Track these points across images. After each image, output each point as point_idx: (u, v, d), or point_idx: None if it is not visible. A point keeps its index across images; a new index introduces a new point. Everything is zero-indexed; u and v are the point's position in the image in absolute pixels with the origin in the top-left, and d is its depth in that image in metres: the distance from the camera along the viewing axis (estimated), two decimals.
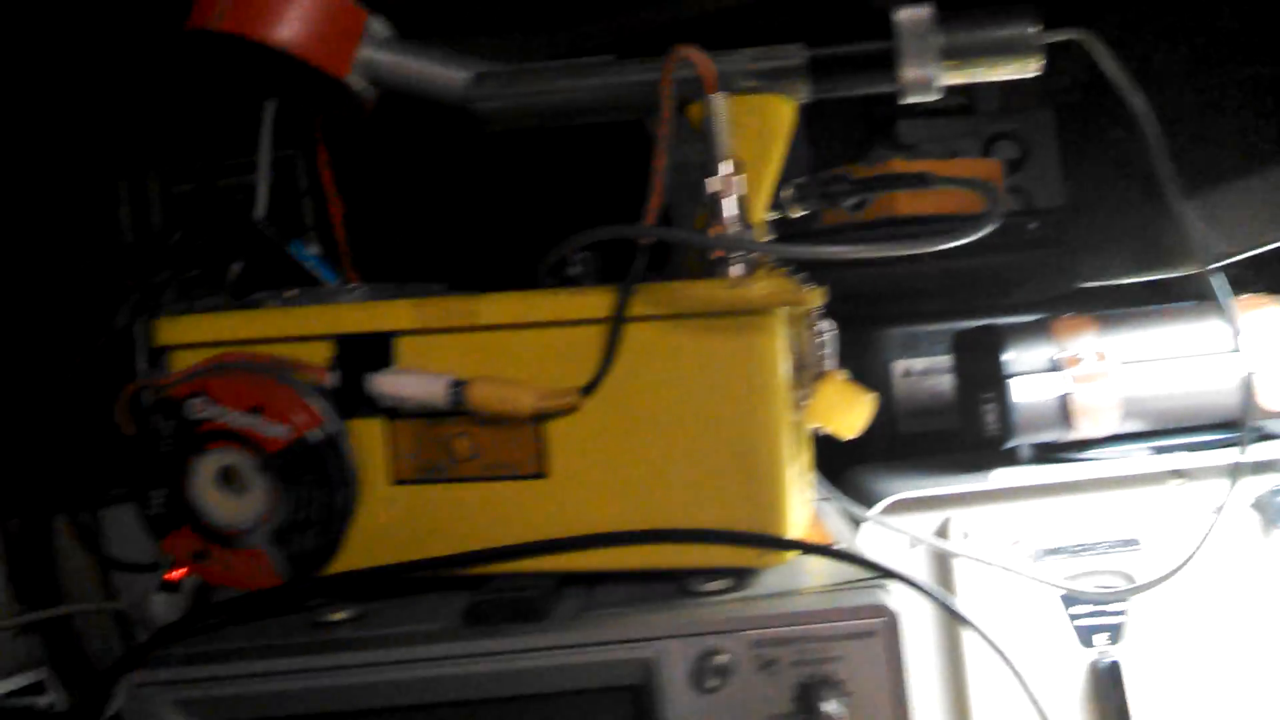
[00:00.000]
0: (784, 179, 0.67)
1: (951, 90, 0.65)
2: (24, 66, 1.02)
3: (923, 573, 0.80)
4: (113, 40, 0.99)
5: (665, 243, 0.62)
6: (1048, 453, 0.83)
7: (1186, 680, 0.79)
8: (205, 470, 0.62)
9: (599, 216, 0.64)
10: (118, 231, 1.12)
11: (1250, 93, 0.87)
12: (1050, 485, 0.80)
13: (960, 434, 0.88)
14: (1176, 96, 0.91)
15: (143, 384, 0.63)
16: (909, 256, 0.64)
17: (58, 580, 1.08)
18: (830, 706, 0.54)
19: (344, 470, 0.61)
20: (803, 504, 0.65)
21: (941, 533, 0.80)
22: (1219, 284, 0.69)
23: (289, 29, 0.64)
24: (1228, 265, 0.79)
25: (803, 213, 0.68)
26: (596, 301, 0.60)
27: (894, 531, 0.79)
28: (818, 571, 0.62)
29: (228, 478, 0.62)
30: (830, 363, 0.67)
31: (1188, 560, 0.71)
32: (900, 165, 0.97)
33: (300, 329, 0.63)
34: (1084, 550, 0.80)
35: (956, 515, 0.80)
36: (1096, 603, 0.79)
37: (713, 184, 0.59)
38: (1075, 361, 0.80)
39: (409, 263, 0.82)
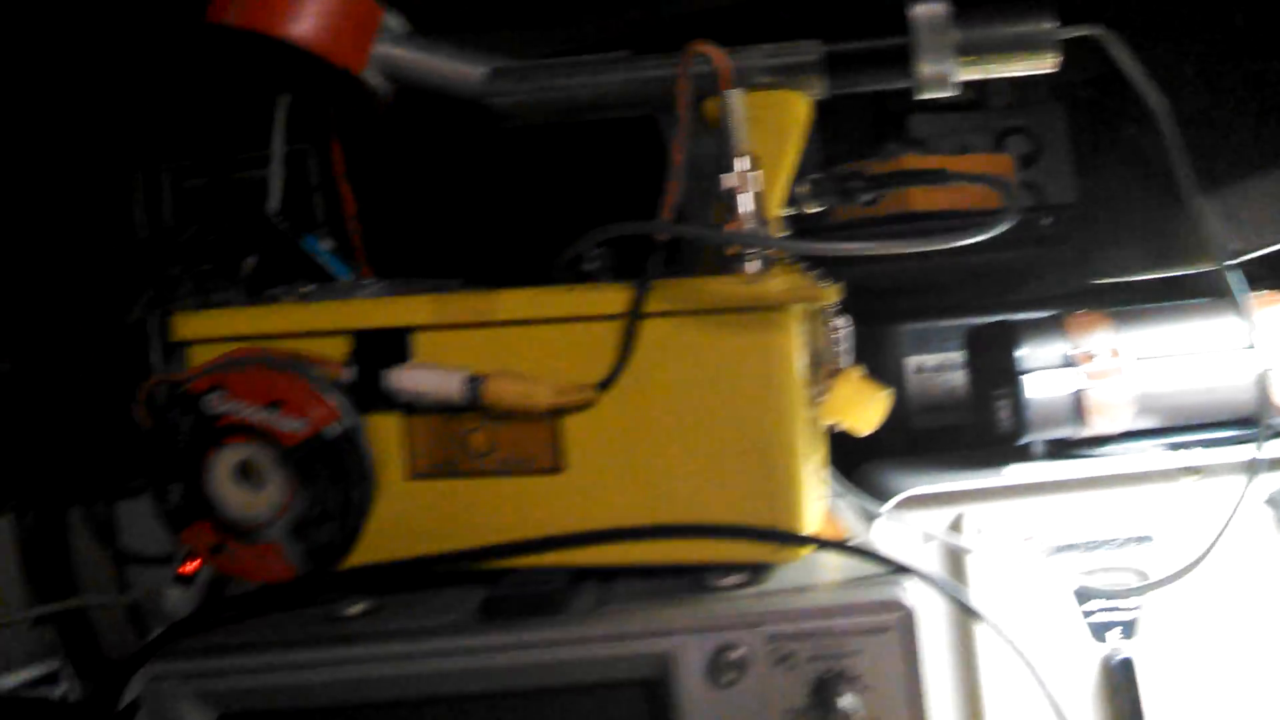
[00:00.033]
0: (798, 174, 0.68)
1: (963, 85, 0.65)
2: (39, 59, 1.02)
3: (935, 569, 0.80)
4: (126, 33, 1.00)
5: (681, 238, 0.62)
6: (1061, 449, 0.83)
7: (1200, 677, 0.79)
8: (223, 464, 0.62)
9: (607, 212, 0.64)
10: (131, 226, 1.12)
11: (1262, 89, 0.87)
12: (1064, 481, 0.80)
13: (973, 430, 0.88)
14: (1189, 93, 0.91)
15: (161, 379, 0.63)
16: (921, 252, 0.64)
17: (72, 573, 1.08)
18: (846, 701, 0.55)
19: (361, 465, 0.61)
20: (818, 499, 0.65)
21: (955, 529, 0.80)
22: (1235, 281, 0.69)
23: (305, 24, 0.65)
24: (1244, 262, 0.79)
25: (818, 208, 0.68)
26: (613, 297, 0.60)
27: (907, 527, 0.79)
28: (833, 567, 0.62)
29: (245, 472, 0.62)
30: (846, 359, 0.67)
31: (1203, 557, 0.71)
32: (913, 161, 0.97)
33: (318, 324, 0.63)
34: (1097, 546, 0.80)
35: (970, 511, 0.80)
36: (1110, 598, 0.79)
37: (729, 180, 0.59)
38: (1089, 358, 0.80)
39: (421, 258, 0.82)
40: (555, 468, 0.62)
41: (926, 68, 0.63)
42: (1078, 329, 0.81)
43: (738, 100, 0.60)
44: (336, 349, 0.63)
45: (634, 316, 0.59)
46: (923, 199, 0.97)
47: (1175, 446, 0.81)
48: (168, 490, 0.63)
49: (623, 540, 0.61)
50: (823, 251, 0.58)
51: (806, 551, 0.61)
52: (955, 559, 0.80)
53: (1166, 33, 0.92)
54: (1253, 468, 0.72)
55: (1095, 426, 0.81)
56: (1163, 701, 0.78)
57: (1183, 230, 0.84)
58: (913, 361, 1.01)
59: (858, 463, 0.91)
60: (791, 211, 0.68)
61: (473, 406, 0.61)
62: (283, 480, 0.62)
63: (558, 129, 0.71)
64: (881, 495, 0.80)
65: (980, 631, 0.78)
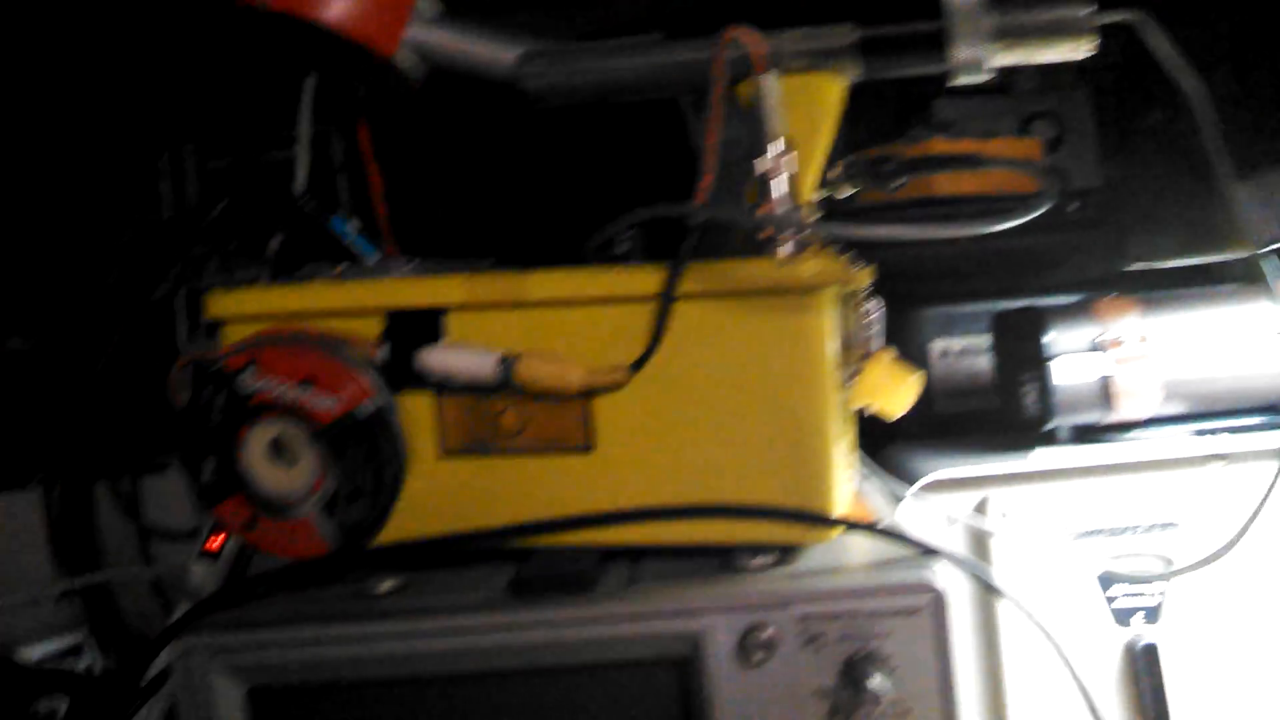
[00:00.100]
0: (828, 158, 0.67)
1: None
2: (66, 39, 1.02)
3: (961, 552, 0.80)
4: (153, 14, 1.00)
5: (710, 222, 0.62)
6: (1087, 434, 0.83)
7: (1224, 663, 0.79)
8: (256, 441, 0.62)
9: (624, 194, 0.64)
10: (158, 205, 1.13)
11: None
12: (1090, 467, 0.80)
13: (999, 414, 0.88)
14: (1219, 77, 0.90)
15: (194, 356, 0.64)
16: (948, 237, 0.64)
17: (97, 547, 1.09)
18: (875, 682, 0.55)
19: (393, 443, 0.62)
20: (847, 482, 0.65)
21: (980, 512, 0.80)
22: (1270, 267, 0.68)
23: (339, 8, 0.65)
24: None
25: (851, 192, 0.68)
26: (646, 279, 0.60)
27: (932, 510, 0.79)
28: (862, 548, 0.62)
29: (278, 449, 0.62)
30: (877, 342, 0.67)
31: (1233, 543, 0.71)
32: (941, 144, 0.97)
33: (351, 303, 0.63)
34: (1122, 532, 0.80)
35: (995, 495, 0.80)
36: (1134, 584, 0.79)
37: (762, 163, 0.59)
38: (1117, 343, 0.80)
39: (445, 239, 0.83)
40: (586, 447, 0.62)
41: (961, 53, 0.62)
42: (1106, 314, 0.81)
43: (773, 84, 0.60)
44: (369, 328, 0.63)
45: (667, 298, 0.59)
46: (947, 183, 0.96)
47: (1202, 432, 0.81)
48: (201, 466, 0.64)
49: (653, 520, 0.61)
50: (860, 236, 0.58)
51: (836, 533, 0.61)
52: (979, 543, 0.80)
53: (1196, 16, 0.91)
54: None
55: (1122, 412, 0.81)
56: (1186, 688, 0.79)
57: (1217, 216, 0.84)
58: (937, 345, 1.01)
59: (881, 446, 0.91)
60: (824, 195, 0.68)
61: (504, 386, 0.61)
62: (315, 457, 0.62)
63: (574, 110, 0.71)
64: (906, 478, 0.81)
65: (1003, 613, 0.78)
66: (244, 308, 0.64)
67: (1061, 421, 0.82)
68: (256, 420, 0.62)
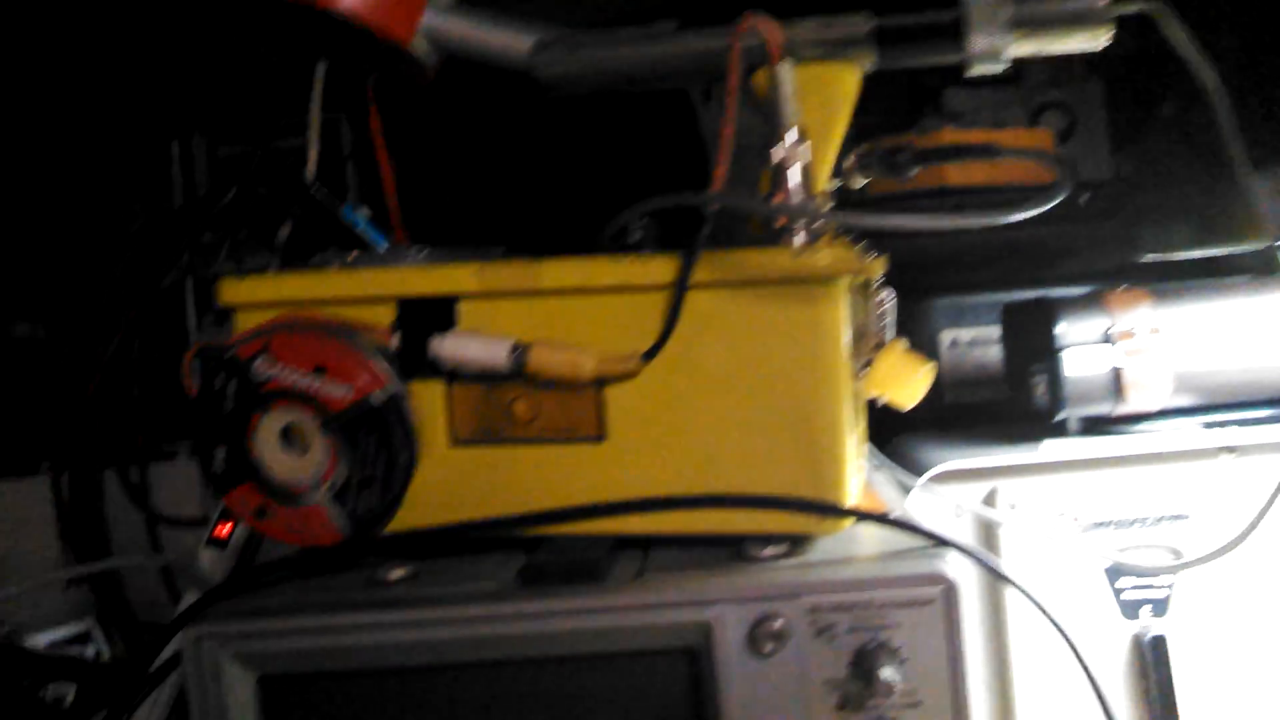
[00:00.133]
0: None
1: None
2: (76, 25, 1.02)
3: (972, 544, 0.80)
4: (165, 1, 1.00)
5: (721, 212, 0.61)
6: (1097, 425, 0.83)
7: (1232, 656, 0.79)
8: (268, 429, 0.62)
9: (634, 183, 0.64)
10: (168, 192, 1.13)
11: None
12: (1099, 458, 0.80)
13: (1009, 405, 0.88)
14: (1231, 68, 0.90)
15: (207, 343, 0.64)
16: (959, 227, 0.64)
17: (105, 534, 1.09)
18: (887, 673, 0.55)
19: (405, 431, 0.62)
20: (858, 472, 0.65)
21: (988, 503, 0.80)
22: None
23: None
24: None
25: (864, 182, 0.68)
26: (660, 268, 0.60)
27: (940, 501, 0.79)
28: (872, 539, 0.62)
29: (290, 436, 0.62)
30: (890, 332, 0.67)
31: (1244, 536, 0.71)
32: (953, 134, 0.96)
33: (364, 291, 0.63)
34: (1131, 524, 0.79)
35: (1004, 486, 0.80)
36: (1143, 576, 0.79)
37: (777, 153, 0.59)
38: (1129, 334, 0.80)
39: (454, 227, 0.82)
40: (598, 437, 0.62)
41: (979, 43, 0.62)
42: (1118, 305, 0.81)
43: (788, 73, 0.59)
44: (381, 316, 0.63)
45: (681, 287, 0.59)
46: (958, 174, 0.96)
47: (1213, 425, 0.81)
48: (212, 453, 0.63)
49: (664, 509, 0.61)
50: (875, 225, 0.58)
51: (848, 524, 0.61)
52: (988, 534, 0.80)
53: (1209, 6, 0.91)
54: None
55: (1132, 403, 0.81)
56: (1194, 680, 0.79)
57: (1231, 208, 0.84)
58: (947, 336, 1.01)
59: (889, 436, 0.91)
60: (837, 185, 0.67)
61: (517, 375, 0.61)
62: (327, 445, 0.62)
63: (591, 99, 0.70)
64: (914, 469, 0.81)
65: (1010, 604, 0.78)
66: (256, 295, 0.64)
67: (1071, 413, 0.82)
68: (268, 408, 0.62)
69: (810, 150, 0.60)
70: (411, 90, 0.72)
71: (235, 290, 0.65)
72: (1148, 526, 0.79)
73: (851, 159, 0.68)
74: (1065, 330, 0.81)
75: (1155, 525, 0.79)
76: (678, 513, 0.61)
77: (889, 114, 1.10)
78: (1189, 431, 0.81)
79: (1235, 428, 0.80)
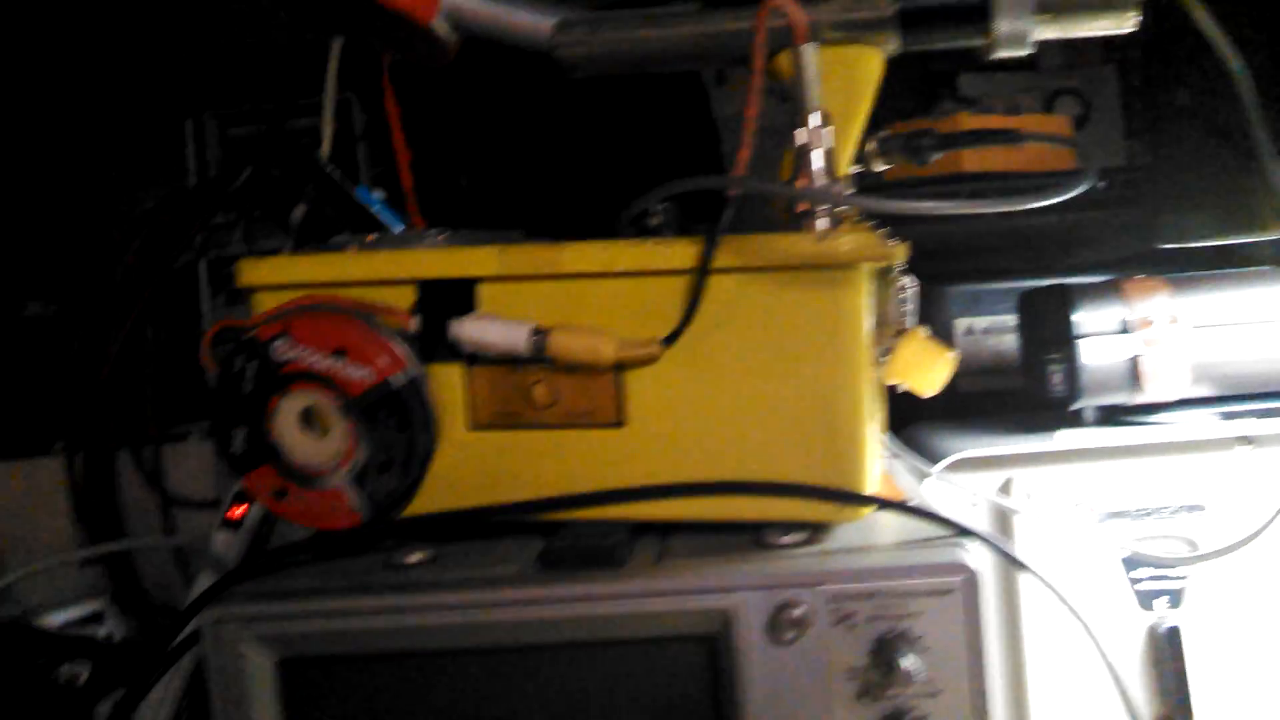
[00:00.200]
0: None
1: None
2: (90, 7, 1.02)
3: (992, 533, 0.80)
4: None
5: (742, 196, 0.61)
6: (1114, 415, 0.83)
7: (1247, 647, 0.79)
8: (288, 411, 0.62)
9: (646, 166, 0.63)
10: (182, 172, 1.13)
11: None
12: (1115, 448, 0.80)
13: (1025, 394, 0.87)
14: (1250, 54, 0.89)
15: (226, 324, 0.64)
16: (974, 214, 0.63)
17: (119, 514, 1.09)
18: (907, 661, 0.55)
19: (425, 414, 0.62)
20: (878, 460, 0.65)
21: (1004, 492, 0.80)
22: None
23: None
24: None
25: (886, 166, 0.67)
26: (681, 252, 0.60)
27: (955, 489, 0.79)
28: (892, 527, 0.62)
29: (309, 419, 0.62)
30: (911, 319, 0.67)
31: (1263, 530, 0.71)
32: (969, 119, 0.96)
33: (384, 273, 0.63)
34: (1147, 514, 0.79)
35: (1019, 475, 0.80)
36: (1159, 567, 0.79)
37: (801, 136, 0.59)
38: (1146, 324, 0.79)
39: (468, 209, 0.82)
40: (617, 422, 0.62)
41: (1004, 25, 0.61)
42: (1135, 294, 0.81)
43: (812, 56, 0.59)
44: (402, 298, 0.63)
45: (702, 271, 0.59)
46: (974, 160, 0.96)
47: (1230, 415, 0.81)
48: (231, 435, 0.63)
49: (685, 496, 0.61)
50: (900, 210, 0.57)
51: (867, 511, 0.61)
52: (1003, 523, 0.80)
53: None
54: None
55: (1150, 393, 0.80)
56: (1209, 671, 0.78)
57: (1252, 195, 0.83)
58: (962, 323, 1.01)
59: (903, 424, 0.90)
60: (859, 169, 0.67)
61: (537, 359, 0.61)
62: (347, 428, 0.62)
63: (610, 81, 0.70)
64: (929, 457, 0.80)
65: (1026, 593, 0.78)
66: (276, 276, 0.64)
67: (1088, 402, 0.82)
68: (288, 390, 0.62)
69: (833, 134, 0.59)
70: (429, 71, 0.72)
71: (255, 271, 0.64)
72: (1164, 517, 0.79)
73: (873, 144, 0.67)
74: (1082, 319, 0.80)
75: (1171, 516, 0.79)
76: (697, 499, 0.61)
77: (899, 98, 1.09)
78: (1206, 422, 0.81)
79: (1253, 419, 0.80)
